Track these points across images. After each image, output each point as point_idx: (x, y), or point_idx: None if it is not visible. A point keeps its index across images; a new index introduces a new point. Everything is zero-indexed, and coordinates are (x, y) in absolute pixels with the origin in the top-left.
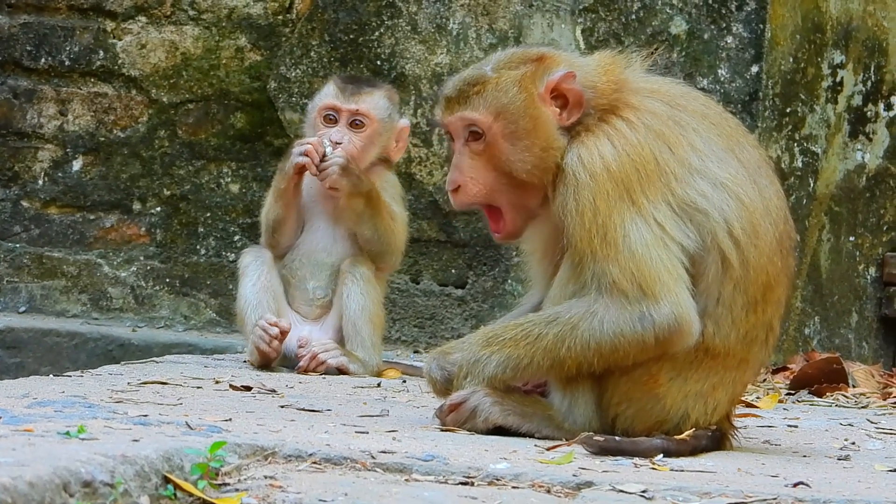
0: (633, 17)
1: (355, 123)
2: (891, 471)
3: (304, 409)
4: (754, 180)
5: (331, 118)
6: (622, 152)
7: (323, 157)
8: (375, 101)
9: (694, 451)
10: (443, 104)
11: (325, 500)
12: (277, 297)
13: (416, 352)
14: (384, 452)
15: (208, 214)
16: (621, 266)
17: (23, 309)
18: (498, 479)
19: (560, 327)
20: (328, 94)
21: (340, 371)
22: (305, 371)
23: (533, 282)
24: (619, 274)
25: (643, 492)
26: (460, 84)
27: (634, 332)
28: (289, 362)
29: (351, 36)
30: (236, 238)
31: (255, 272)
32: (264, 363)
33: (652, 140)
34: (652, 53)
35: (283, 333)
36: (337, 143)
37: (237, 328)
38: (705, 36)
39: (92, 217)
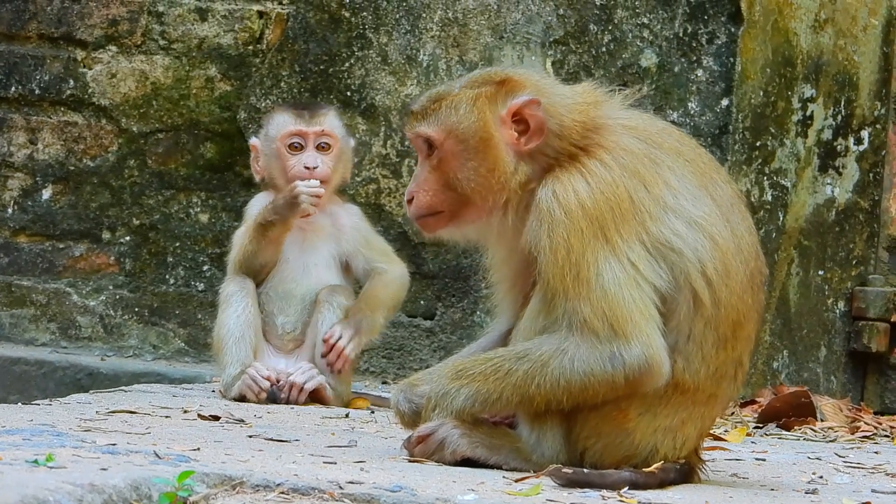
0: (604, 49)
1: (321, 146)
2: None
3: (272, 439)
4: (727, 218)
5: (296, 145)
6: (597, 190)
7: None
8: (333, 121)
9: (662, 484)
10: (407, 119)
11: None
12: (257, 331)
13: (384, 383)
14: (352, 483)
15: (177, 244)
16: (593, 305)
17: None
18: None
19: (530, 364)
20: (287, 122)
21: (317, 394)
22: (287, 402)
23: (500, 311)
24: (591, 313)
25: None
26: (424, 100)
27: (605, 372)
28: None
29: (321, 66)
30: (205, 268)
31: (239, 303)
32: (242, 401)
33: (627, 178)
34: (623, 86)
35: (271, 384)
36: (313, 168)
37: (209, 355)
38: (675, 69)
39: (61, 246)
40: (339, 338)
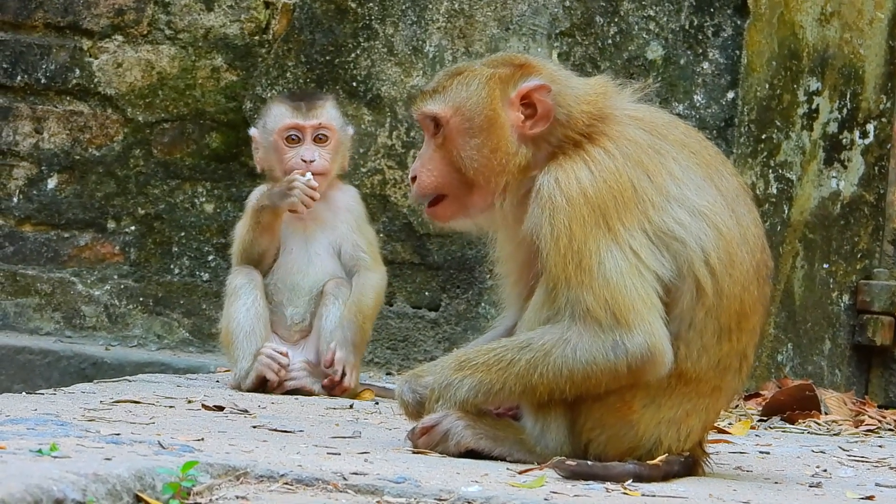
0: (610, 41)
1: (319, 138)
2: (862, 499)
3: (276, 430)
4: (732, 209)
5: (294, 138)
6: (599, 178)
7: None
8: (331, 112)
9: (666, 476)
10: (416, 99)
11: None
12: (266, 323)
13: (388, 374)
14: (356, 474)
15: (182, 234)
16: (595, 294)
17: None
18: (469, 502)
19: (533, 353)
20: (283, 114)
21: (304, 391)
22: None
23: (506, 304)
24: (594, 301)
25: None
26: (437, 77)
27: (607, 361)
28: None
29: (327, 57)
30: (210, 258)
31: (248, 296)
32: (260, 387)
33: (630, 168)
34: (629, 79)
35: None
36: (310, 162)
37: (214, 345)
38: (681, 61)
39: (66, 235)
40: (342, 373)
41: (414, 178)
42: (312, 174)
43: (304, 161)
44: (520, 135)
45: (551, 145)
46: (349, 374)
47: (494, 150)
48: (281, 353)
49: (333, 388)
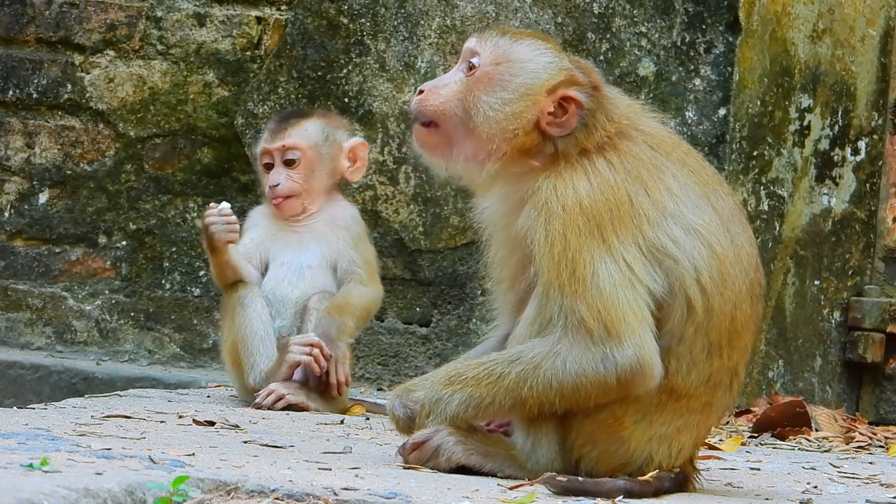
0: (602, 58)
1: (288, 161)
2: None
3: (267, 445)
4: (727, 228)
5: (268, 164)
6: (597, 190)
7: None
8: (302, 131)
9: (657, 492)
10: (489, 27)
11: None
12: (272, 329)
13: (379, 389)
14: (347, 489)
15: (174, 249)
16: (589, 304)
17: None
18: None
19: (522, 367)
20: (262, 139)
21: (300, 407)
22: (260, 407)
23: (498, 313)
24: (587, 312)
25: None
26: (526, 30)
27: (597, 373)
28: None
29: (319, 73)
30: (201, 273)
31: (255, 302)
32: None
33: (629, 182)
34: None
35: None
36: (274, 186)
37: (203, 362)
38: (673, 78)
39: (57, 250)
40: (336, 372)
41: (421, 93)
42: (282, 197)
43: (270, 187)
44: (536, 121)
45: (557, 148)
46: (342, 371)
47: (516, 115)
48: (313, 342)
49: (319, 365)
